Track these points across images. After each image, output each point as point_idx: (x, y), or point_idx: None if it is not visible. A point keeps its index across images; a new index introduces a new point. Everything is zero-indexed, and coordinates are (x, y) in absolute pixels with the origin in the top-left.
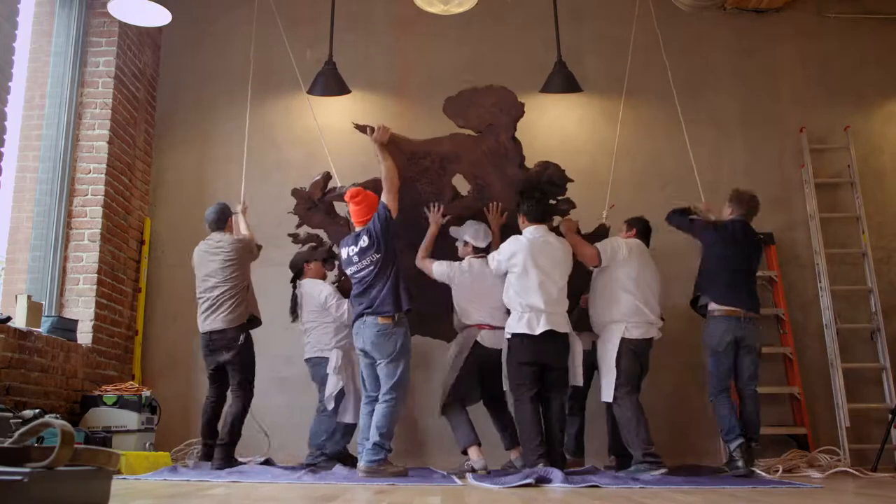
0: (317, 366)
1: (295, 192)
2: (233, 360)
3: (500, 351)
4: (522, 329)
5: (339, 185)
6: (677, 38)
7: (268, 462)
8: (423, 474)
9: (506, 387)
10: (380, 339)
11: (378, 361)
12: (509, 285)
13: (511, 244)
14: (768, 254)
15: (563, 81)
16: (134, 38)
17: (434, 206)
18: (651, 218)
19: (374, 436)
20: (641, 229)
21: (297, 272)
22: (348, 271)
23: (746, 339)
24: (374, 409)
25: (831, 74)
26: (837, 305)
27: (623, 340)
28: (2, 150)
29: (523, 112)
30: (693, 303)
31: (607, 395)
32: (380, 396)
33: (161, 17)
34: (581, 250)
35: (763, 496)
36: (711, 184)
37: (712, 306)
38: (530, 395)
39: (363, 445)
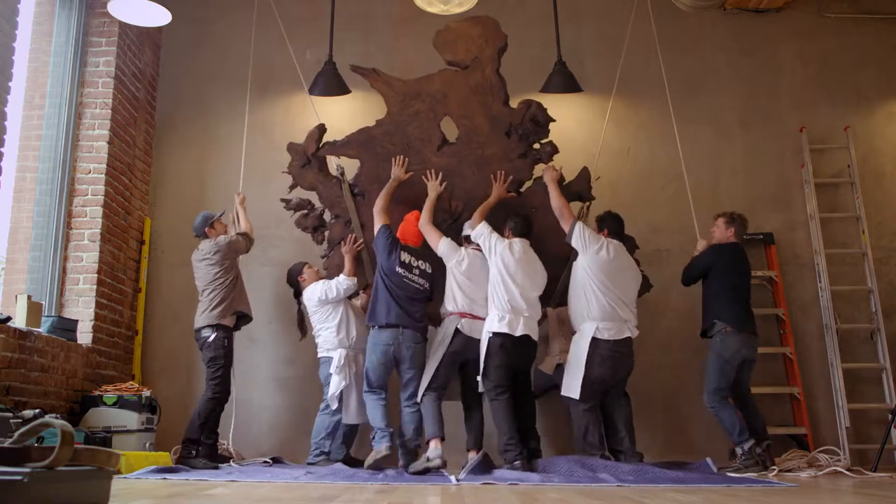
0: (324, 364)
1: (290, 147)
2: (204, 357)
3: (477, 340)
4: (504, 329)
5: (333, 138)
6: (677, 37)
7: (276, 460)
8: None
9: (482, 388)
10: (418, 351)
11: (410, 369)
12: (495, 285)
13: (509, 244)
14: (768, 254)
15: (563, 81)
16: (134, 38)
17: (432, 174)
18: (653, 217)
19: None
20: (614, 228)
21: (296, 288)
22: (400, 271)
23: (753, 355)
24: (383, 399)
25: (831, 74)
26: (837, 305)
27: (594, 340)
28: (2, 150)
29: (506, 43)
30: (705, 332)
31: (572, 391)
32: (407, 400)
33: (161, 17)
34: (562, 207)
35: (764, 496)
36: (711, 184)
37: (728, 326)
38: (507, 396)
39: (382, 433)
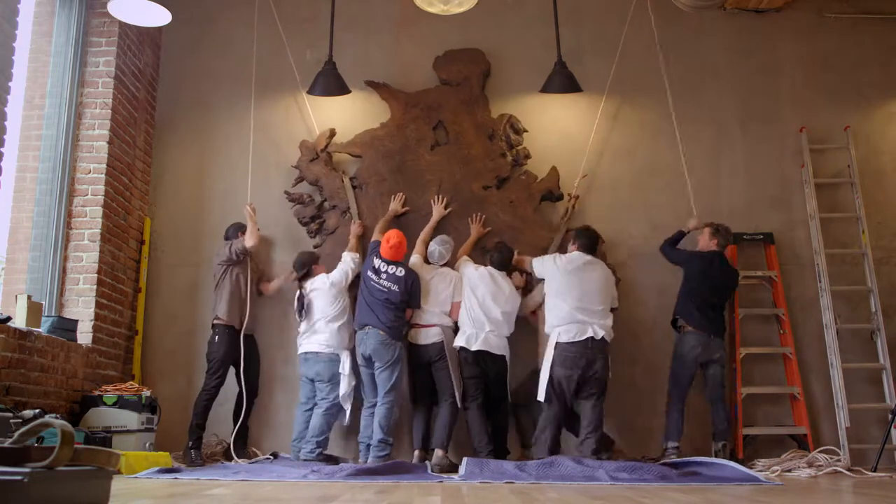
0: (328, 362)
1: (303, 144)
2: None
3: (427, 346)
4: (461, 343)
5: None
6: (677, 37)
7: (276, 456)
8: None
9: (458, 395)
10: (381, 347)
11: (379, 367)
12: (465, 304)
13: (476, 268)
14: (768, 254)
15: (563, 81)
16: (134, 38)
17: (439, 198)
18: (652, 216)
19: (378, 434)
20: (586, 243)
21: (307, 271)
22: (370, 275)
23: (713, 355)
24: (370, 408)
25: (831, 74)
26: (837, 305)
27: (557, 345)
28: (2, 150)
29: (489, 67)
30: (673, 323)
31: (540, 394)
32: (383, 397)
33: (161, 17)
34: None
35: (763, 496)
36: (711, 183)
37: (686, 324)
38: (477, 404)
39: (363, 444)
